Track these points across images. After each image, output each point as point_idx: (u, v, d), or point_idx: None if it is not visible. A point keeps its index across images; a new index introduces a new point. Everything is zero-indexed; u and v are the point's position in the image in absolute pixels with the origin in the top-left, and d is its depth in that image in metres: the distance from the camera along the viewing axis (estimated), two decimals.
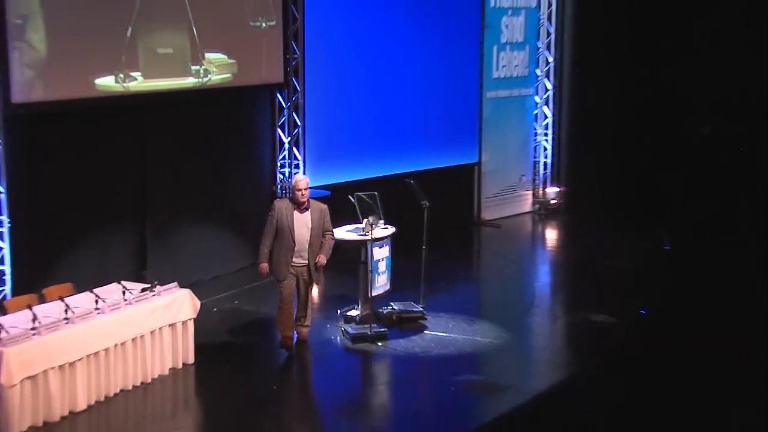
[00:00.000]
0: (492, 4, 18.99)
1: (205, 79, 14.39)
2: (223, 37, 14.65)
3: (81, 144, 13.20)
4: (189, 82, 14.23)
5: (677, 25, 19.56)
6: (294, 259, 11.89)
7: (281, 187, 15.98)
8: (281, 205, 12.07)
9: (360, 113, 17.11)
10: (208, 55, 14.43)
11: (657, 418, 11.81)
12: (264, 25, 15.17)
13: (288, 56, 15.82)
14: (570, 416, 11.52)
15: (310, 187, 15.31)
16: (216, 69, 14.52)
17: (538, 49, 20.11)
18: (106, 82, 13.12)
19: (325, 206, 12.31)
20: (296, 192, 11.89)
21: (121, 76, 13.27)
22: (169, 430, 10.47)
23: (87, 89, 12.98)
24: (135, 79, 13.46)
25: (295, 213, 11.86)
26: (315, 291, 12.66)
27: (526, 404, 11.25)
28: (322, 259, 12.20)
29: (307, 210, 11.93)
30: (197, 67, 14.31)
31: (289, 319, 12.07)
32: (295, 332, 12.23)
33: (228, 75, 14.74)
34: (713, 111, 19.48)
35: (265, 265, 12.05)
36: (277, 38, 15.60)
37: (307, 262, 11.96)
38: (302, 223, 11.86)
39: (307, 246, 11.90)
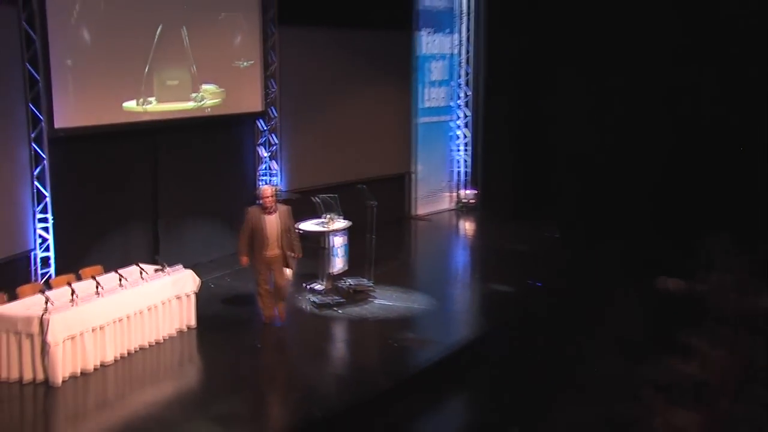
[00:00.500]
0: (423, 51, 19.07)
1: (201, 103, 14.48)
2: (214, 72, 14.67)
3: (108, 159, 13.25)
4: (189, 105, 14.32)
5: (562, 65, 19.74)
6: (267, 252, 11.63)
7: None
8: (253, 211, 11.79)
9: (323, 134, 17.10)
10: (204, 86, 14.50)
11: (543, 363, 12.08)
12: (244, 64, 15.18)
13: (267, 91, 15.78)
14: (481, 362, 11.75)
15: (283, 191, 15.47)
16: (209, 96, 14.60)
17: (458, 85, 20.20)
18: (130, 105, 13.29)
19: (288, 207, 12.09)
20: (264, 199, 11.66)
21: (141, 100, 13.43)
22: (177, 378, 10.59)
23: (114, 114, 13.08)
24: (151, 102, 13.62)
25: (265, 216, 11.60)
26: (289, 273, 12.31)
27: (449, 354, 11.47)
28: (299, 255, 12.16)
29: (275, 212, 11.67)
30: (195, 94, 14.39)
31: (268, 301, 11.96)
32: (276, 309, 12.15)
33: (218, 101, 14.77)
34: (588, 133, 19.72)
35: (245, 259, 11.88)
36: (256, 75, 15.54)
37: (277, 252, 11.73)
38: (272, 223, 11.62)
39: (276, 240, 11.66)
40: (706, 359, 11.04)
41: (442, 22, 19.45)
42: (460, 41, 20.01)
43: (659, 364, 11.16)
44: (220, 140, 15.48)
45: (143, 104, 13.51)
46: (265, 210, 11.62)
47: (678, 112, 19.01)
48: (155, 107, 13.70)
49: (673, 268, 14.45)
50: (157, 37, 13.59)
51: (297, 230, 12.28)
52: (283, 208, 11.90)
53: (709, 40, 18.70)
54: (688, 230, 16.32)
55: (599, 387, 12.42)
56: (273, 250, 11.70)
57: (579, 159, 19.52)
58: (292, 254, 12.08)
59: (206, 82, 14.58)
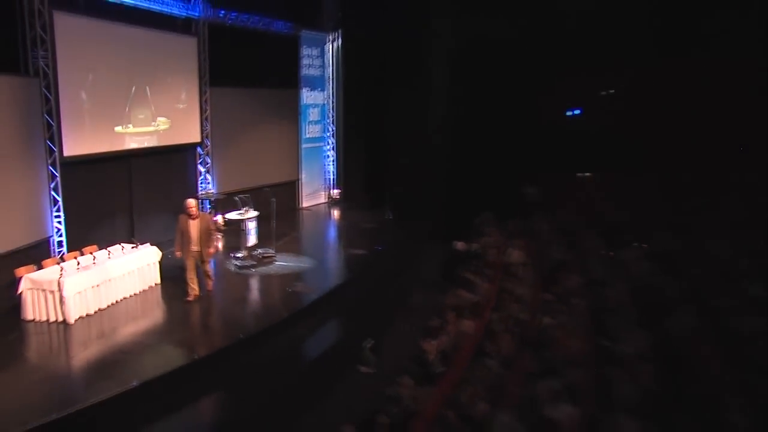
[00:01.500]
0: (305, 101, 19.24)
1: (157, 128, 14.34)
2: (165, 110, 14.52)
3: (99, 174, 13.04)
4: (151, 128, 14.14)
5: (388, 111, 20.21)
6: (192, 248, 10.85)
7: (202, 195, 15.94)
8: (182, 217, 10.89)
9: (241, 156, 17.03)
10: (159, 118, 14.38)
11: (385, 297, 12.60)
12: (181, 106, 15.05)
13: (203, 128, 15.68)
14: (346, 299, 12.19)
15: (215, 193, 15.38)
16: (162, 124, 14.45)
17: (327, 122, 20.45)
18: (118, 129, 13.27)
19: (209, 216, 11.33)
20: (189, 209, 10.78)
21: (123, 126, 13.39)
22: (150, 317, 10.61)
23: (103, 144, 12.96)
24: (129, 127, 13.53)
25: (190, 221, 10.81)
26: (212, 265, 11.58)
27: (324, 295, 11.82)
28: (214, 251, 11.44)
29: (197, 219, 10.86)
30: (154, 123, 14.25)
31: (192, 283, 11.14)
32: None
33: (167, 126, 14.60)
34: (409, 148, 20.30)
35: (178, 252, 11.01)
36: (195, 118, 15.43)
37: (199, 249, 10.90)
38: (195, 228, 10.83)
39: (198, 240, 10.84)
40: (478, 288, 11.74)
41: (317, 83, 19.60)
42: (328, 96, 20.23)
43: (452, 294, 11.78)
44: (173, 161, 15.30)
45: (125, 128, 13.44)
46: (191, 216, 10.84)
47: (459, 134, 19.88)
48: (132, 129, 13.63)
49: (459, 235, 15.18)
50: (132, 92, 13.57)
51: (217, 234, 11.54)
52: (205, 217, 11.12)
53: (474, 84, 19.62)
54: (468, 212, 17.09)
55: (419, 309, 12.98)
56: (196, 247, 10.91)
57: (403, 167, 20.06)
58: (211, 251, 11.27)
59: (160, 116, 14.47)
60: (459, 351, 9.43)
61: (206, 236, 10.99)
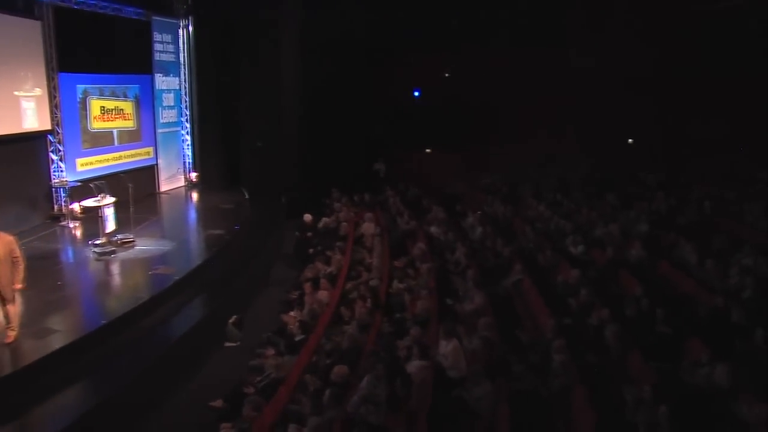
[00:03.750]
0: (159, 87, 18.32)
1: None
2: (10, 98, 13.32)
3: None
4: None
5: (239, 97, 19.96)
6: None
7: (56, 183, 14.83)
8: None
9: (95, 141, 16.02)
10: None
11: (248, 273, 12.37)
12: (28, 93, 13.71)
13: (53, 115, 14.49)
14: (208, 277, 11.88)
15: (70, 182, 14.41)
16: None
17: (182, 108, 19.67)
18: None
19: (11, 238, 8.13)
20: None
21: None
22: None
23: None
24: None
25: None
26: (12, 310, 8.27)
27: (186, 275, 11.44)
28: (20, 286, 8.24)
29: None
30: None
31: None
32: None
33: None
34: (263, 130, 20.11)
35: None
36: (45, 105, 14.22)
37: None
38: None
39: None
40: (332, 260, 11.93)
41: (170, 69, 18.74)
42: (182, 81, 19.44)
43: (308, 267, 11.92)
44: (22, 150, 14.05)
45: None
46: None
47: (311, 116, 20.06)
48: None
49: (313, 212, 15.33)
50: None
51: (20, 262, 8.19)
52: (4, 238, 8.03)
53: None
54: (321, 189, 17.30)
55: (279, 283, 13.03)
56: None
57: (257, 149, 19.96)
58: (15, 286, 8.18)
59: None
60: (317, 320, 9.55)
61: (7, 265, 7.98)
